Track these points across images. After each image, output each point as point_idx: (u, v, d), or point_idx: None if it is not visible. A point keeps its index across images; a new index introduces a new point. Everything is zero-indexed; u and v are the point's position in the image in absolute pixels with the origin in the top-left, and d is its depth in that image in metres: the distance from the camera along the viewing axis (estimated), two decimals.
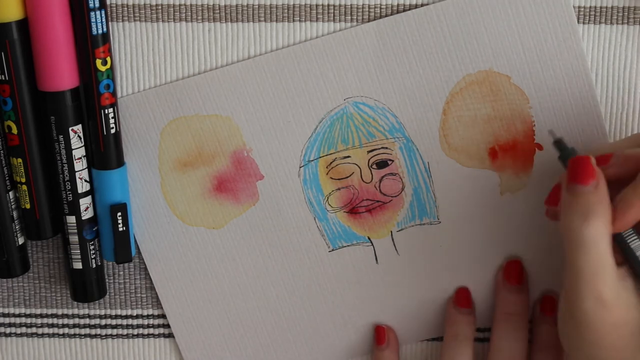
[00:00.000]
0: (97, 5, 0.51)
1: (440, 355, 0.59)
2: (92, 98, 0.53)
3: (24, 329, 0.61)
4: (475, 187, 0.57)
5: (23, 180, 0.54)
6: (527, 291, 0.58)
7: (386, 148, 0.56)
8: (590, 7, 0.55)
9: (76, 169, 0.54)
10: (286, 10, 0.55)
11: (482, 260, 0.58)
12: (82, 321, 0.61)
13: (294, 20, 0.55)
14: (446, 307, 0.59)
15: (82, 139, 0.54)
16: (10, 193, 0.55)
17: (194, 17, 0.55)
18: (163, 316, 0.60)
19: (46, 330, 0.61)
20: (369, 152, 0.57)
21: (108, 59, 0.53)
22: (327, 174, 0.57)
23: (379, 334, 0.59)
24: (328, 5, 0.54)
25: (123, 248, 0.56)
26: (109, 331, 0.61)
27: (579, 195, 0.48)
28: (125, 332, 0.61)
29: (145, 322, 0.61)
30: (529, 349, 0.58)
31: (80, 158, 0.54)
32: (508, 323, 0.57)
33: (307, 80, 0.55)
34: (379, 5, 0.54)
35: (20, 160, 0.54)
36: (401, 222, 0.58)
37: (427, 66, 0.55)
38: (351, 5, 0.54)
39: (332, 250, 0.58)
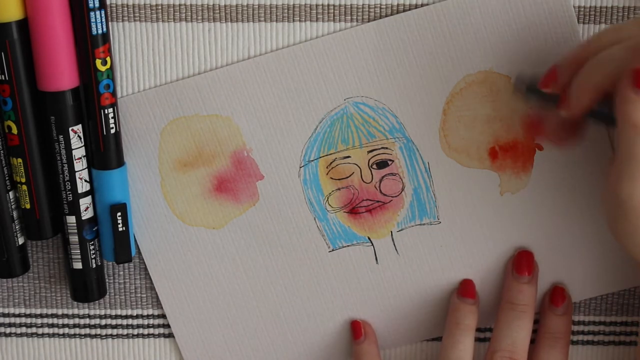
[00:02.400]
0: (97, 5, 0.51)
1: (441, 343, 0.59)
2: (92, 98, 0.53)
3: (24, 329, 0.61)
4: (475, 187, 0.57)
5: (23, 180, 0.54)
6: (535, 283, 0.58)
7: (386, 148, 0.56)
8: (590, 7, 0.54)
9: (76, 169, 0.54)
10: (286, 10, 0.55)
11: (482, 261, 0.58)
12: (82, 321, 0.61)
13: (294, 20, 0.55)
14: (450, 298, 0.59)
15: (82, 139, 0.54)
16: (10, 193, 0.55)
17: (194, 17, 0.55)
18: (163, 316, 0.60)
19: (46, 330, 0.61)
20: (369, 152, 0.57)
21: (108, 59, 0.53)
22: (327, 174, 0.57)
23: (356, 328, 0.59)
24: (328, 5, 0.54)
25: (123, 248, 0.56)
26: (109, 331, 0.61)
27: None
28: (125, 332, 0.61)
29: (145, 322, 0.61)
30: (534, 341, 0.58)
31: (80, 158, 0.54)
32: (512, 312, 0.57)
33: (307, 80, 0.55)
34: (379, 5, 0.54)
35: (20, 160, 0.54)
36: (401, 222, 0.58)
37: (427, 66, 0.55)
38: (351, 5, 0.54)
39: (332, 250, 0.58)
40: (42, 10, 0.51)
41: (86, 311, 0.61)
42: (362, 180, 0.57)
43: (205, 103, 0.55)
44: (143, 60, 0.55)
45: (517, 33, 0.54)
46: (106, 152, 0.54)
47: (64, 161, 0.54)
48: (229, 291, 0.59)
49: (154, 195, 0.57)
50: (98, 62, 0.52)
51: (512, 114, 0.56)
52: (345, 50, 0.55)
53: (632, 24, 0.49)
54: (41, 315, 0.61)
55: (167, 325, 0.61)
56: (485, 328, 0.61)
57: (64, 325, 0.61)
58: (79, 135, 0.54)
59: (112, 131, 0.54)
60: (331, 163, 0.57)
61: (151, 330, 0.61)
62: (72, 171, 0.54)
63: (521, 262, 0.58)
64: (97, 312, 0.61)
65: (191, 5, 0.54)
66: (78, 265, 0.56)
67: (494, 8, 0.54)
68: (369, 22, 0.55)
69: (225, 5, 0.54)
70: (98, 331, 0.61)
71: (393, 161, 0.57)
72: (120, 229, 0.55)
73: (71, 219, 0.55)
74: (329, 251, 0.58)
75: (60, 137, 0.53)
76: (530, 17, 0.54)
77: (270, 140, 0.56)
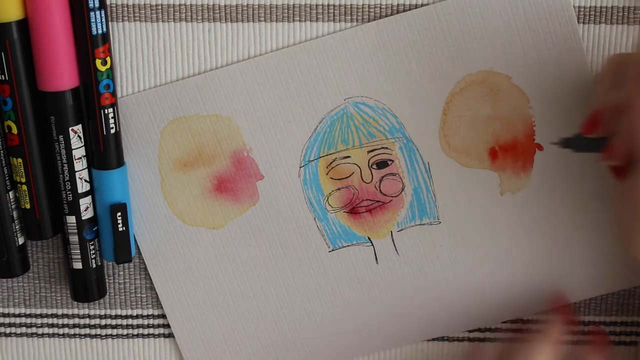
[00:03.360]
0: (97, 5, 0.51)
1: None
2: (92, 98, 0.53)
3: (24, 329, 0.61)
4: (475, 187, 0.57)
5: (23, 180, 0.54)
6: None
7: (386, 148, 0.56)
8: (590, 7, 0.55)
9: (76, 169, 0.54)
10: (286, 10, 0.55)
11: (482, 261, 0.58)
12: (82, 321, 0.61)
13: (294, 20, 0.55)
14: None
15: (82, 139, 0.54)
16: (10, 193, 0.55)
17: (194, 17, 0.55)
18: (163, 316, 0.60)
19: (46, 330, 0.61)
20: (369, 152, 0.57)
21: (108, 59, 0.53)
22: (327, 174, 0.57)
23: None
24: (328, 5, 0.54)
25: (123, 248, 0.56)
26: (109, 331, 0.61)
27: None
28: (125, 332, 0.61)
29: (145, 322, 0.61)
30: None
31: (80, 158, 0.54)
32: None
33: (307, 80, 0.55)
34: (379, 5, 0.54)
35: (20, 160, 0.54)
36: (401, 222, 0.58)
37: (427, 66, 0.55)
38: (351, 5, 0.54)
39: (332, 250, 0.58)
40: (42, 10, 0.51)
41: (86, 311, 0.61)
42: (362, 180, 0.57)
43: (205, 103, 0.55)
44: (143, 60, 0.55)
45: (517, 33, 0.54)
46: (106, 152, 0.54)
47: (64, 161, 0.54)
48: (229, 291, 0.59)
49: (154, 195, 0.57)
50: (98, 62, 0.52)
51: (512, 114, 0.56)
52: (345, 50, 0.55)
53: None
54: (41, 315, 0.61)
55: (167, 325, 0.61)
56: (485, 328, 0.60)
57: (64, 325, 0.61)
58: (79, 135, 0.54)
59: (112, 131, 0.54)
60: (331, 163, 0.57)
61: (151, 330, 0.61)
62: (72, 171, 0.54)
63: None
64: (97, 312, 0.61)
65: (191, 5, 0.54)
66: (78, 265, 0.56)
67: (494, 8, 0.54)
68: (369, 22, 0.55)
69: (225, 5, 0.54)
70: (98, 331, 0.61)
71: (393, 161, 0.57)
72: (120, 229, 0.55)
73: (71, 219, 0.55)
74: (329, 251, 0.58)
75: (60, 137, 0.53)
76: (530, 17, 0.54)
77: (270, 140, 0.56)
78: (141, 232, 0.58)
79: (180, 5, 0.54)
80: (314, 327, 0.60)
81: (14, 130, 0.53)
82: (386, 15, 0.54)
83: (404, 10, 0.54)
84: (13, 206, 0.56)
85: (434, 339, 0.61)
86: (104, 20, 0.52)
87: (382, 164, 0.57)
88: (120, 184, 0.55)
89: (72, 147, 0.54)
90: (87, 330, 0.61)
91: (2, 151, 0.55)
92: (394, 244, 0.58)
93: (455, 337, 0.61)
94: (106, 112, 0.53)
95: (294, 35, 0.55)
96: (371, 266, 0.59)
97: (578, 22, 0.55)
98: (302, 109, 0.56)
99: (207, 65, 0.55)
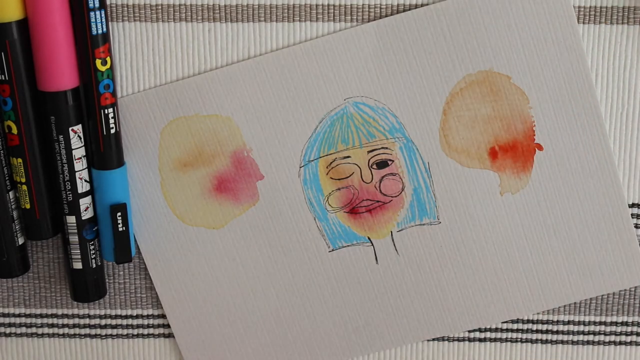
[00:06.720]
0: (97, 5, 0.51)
1: None
2: (92, 98, 0.53)
3: (24, 329, 0.61)
4: (475, 187, 0.57)
5: (23, 180, 0.54)
6: None
7: (386, 148, 0.56)
8: (590, 7, 0.55)
9: (76, 169, 0.54)
10: (286, 10, 0.55)
11: (481, 261, 0.59)
12: (82, 321, 0.61)
13: (294, 20, 0.55)
14: None
15: (82, 139, 0.54)
16: (10, 193, 0.55)
17: (194, 17, 0.55)
18: (163, 316, 0.60)
19: (46, 330, 0.61)
20: (369, 152, 0.57)
21: (108, 59, 0.53)
22: (327, 174, 0.57)
23: None
24: (328, 5, 0.54)
25: (123, 248, 0.56)
26: (109, 331, 0.61)
27: None
28: (125, 332, 0.61)
29: (145, 322, 0.61)
30: None
31: (80, 158, 0.54)
32: None
33: (307, 80, 0.55)
34: (379, 5, 0.54)
35: (20, 160, 0.54)
36: (401, 222, 0.58)
37: (427, 66, 0.55)
38: (351, 5, 0.54)
39: (332, 250, 0.58)
40: (42, 10, 0.51)
41: (86, 311, 0.61)
42: (362, 180, 0.57)
43: (205, 103, 0.55)
44: (143, 60, 0.55)
45: (517, 33, 0.54)
46: (106, 152, 0.54)
47: (64, 161, 0.54)
48: (229, 291, 0.59)
49: (154, 195, 0.57)
50: (98, 62, 0.52)
51: (512, 114, 0.56)
52: (345, 50, 0.55)
53: None
54: (41, 315, 0.61)
55: (167, 325, 0.61)
56: (485, 329, 0.61)
57: (64, 325, 0.61)
58: (79, 135, 0.54)
59: (112, 131, 0.54)
60: (331, 163, 0.57)
61: (151, 330, 0.61)
62: (72, 171, 0.54)
63: None
64: (97, 312, 0.61)
65: (191, 5, 0.54)
66: (78, 265, 0.56)
67: (494, 8, 0.54)
68: (369, 22, 0.55)
69: (225, 5, 0.54)
70: (98, 331, 0.61)
71: (393, 161, 0.57)
72: (120, 229, 0.55)
73: (71, 219, 0.55)
74: (329, 251, 0.58)
75: (60, 137, 0.53)
76: (530, 17, 0.54)
77: (270, 140, 0.56)
78: (141, 232, 0.58)
79: (180, 5, 0.54)
80: (314, 327, 0.60)
81: (14, 130, 0.53)
82: (386, 15, 0.54)
83: (404, 10, 0.54)
84: (13, 206, 0.56)
85: (434, 339, 0.61)
86: (104, 20, 0.52)
87: (382, 164, 0.57)
88: (120, 184, 0.55)
89: (72, 147, 0.54)
90: (87, 330, 0.61)
91: (2, 151, 0.55)
92: (394, 244, 0.58)
93: (455, 337, 0.61)
94: (106, 112, 0.53)
95: (294, 35, 0.55)
96: (371, 266, 0.59)
97: (578, 22, 0.55)
98: (302, 109, 0.56)
99: (207, 65, 0.55)
